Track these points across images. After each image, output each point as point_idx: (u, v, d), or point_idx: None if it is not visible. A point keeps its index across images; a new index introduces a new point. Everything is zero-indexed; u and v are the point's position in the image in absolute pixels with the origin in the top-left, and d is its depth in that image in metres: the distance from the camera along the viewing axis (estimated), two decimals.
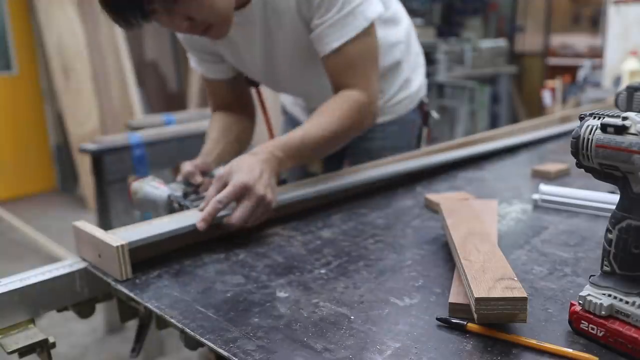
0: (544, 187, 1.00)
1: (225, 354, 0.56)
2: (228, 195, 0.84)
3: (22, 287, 0.71)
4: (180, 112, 3.28)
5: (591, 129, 0.53)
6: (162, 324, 0.68)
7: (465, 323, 0.58)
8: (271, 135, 1.32)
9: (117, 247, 0.73)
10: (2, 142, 4.24)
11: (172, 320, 0.63)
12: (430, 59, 4.67)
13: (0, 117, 4.22)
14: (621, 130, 0.50)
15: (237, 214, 0.84)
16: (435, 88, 4.88)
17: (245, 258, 0.81)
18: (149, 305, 0.67)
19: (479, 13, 5.94)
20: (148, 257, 0.80)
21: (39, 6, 3.97)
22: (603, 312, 0.54)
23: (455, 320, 0.59)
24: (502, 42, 5.57)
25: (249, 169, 0.86)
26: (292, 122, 1.40)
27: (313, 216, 0.98)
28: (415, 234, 0.88)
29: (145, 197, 1.00)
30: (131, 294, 0.70)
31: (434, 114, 1.42)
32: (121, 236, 0.77)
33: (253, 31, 1.06)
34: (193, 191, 0.99)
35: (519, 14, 6.30)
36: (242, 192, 0.84)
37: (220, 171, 0.88)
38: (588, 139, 0.53)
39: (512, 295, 0.55)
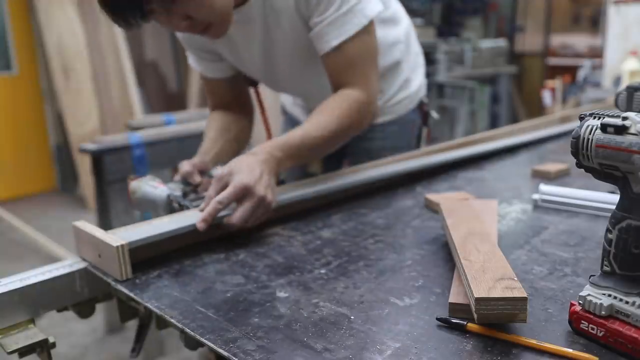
0: (544, 187, 1.00)
1: (225, 354, 0.56)
2: (229, 196, 0.84)
3: (22, 287, 0.71)
4: (180, 112, 3.28)
5: (591, 129, 0.53)
6: (162, 324, 0.68)
7: (465, 323, 0.58)
8: (269, 135, 1.32)
9: (117, 247, 0.73)
10: (2, 142, 4.24)
11: (172, 320, 0.63)
12: (430, 59, 4.67)
13: (0, 117, 4.22)
14: (621, 130, 0.50)
15: (238, 215, 0.84)
16: (435, 88, 4.88)
17: (245, 258, 0.81)
18: (149, 305, 0.67)
19: (479, 13, 5.94)
20: (148, 257, 0.80)
21: (39, 6, 3.97)
22: (603, 312, 0.54)
23: (455, 320, 0.59)
24: (502, 42, 5.57)
25: (249, 169, 0.86)
26: (291, 122, 1.40)
27: (313, 216, 0.98)
28: (415, 234, 0.88)
29: (144, 197, 1.00)
30: (131, 294, 0.71)
31: (434, 114, 1.42)
32: (121, 236, 0.77)
33: (252, 30, 1.06)
34: (192, 190, 0.99)
35: (519, 14, 6.30)
36: (243, 193, 0.84)
37: (219, 171, 0.88)
38: (588, 139, 0.53)
39: (512, 295, 0.55)
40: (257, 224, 0.88)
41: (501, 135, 1.50)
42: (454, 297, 0.62)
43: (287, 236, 0.89)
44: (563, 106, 4.02)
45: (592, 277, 0.57)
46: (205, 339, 0.59)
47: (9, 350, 0.66)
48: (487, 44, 5.38)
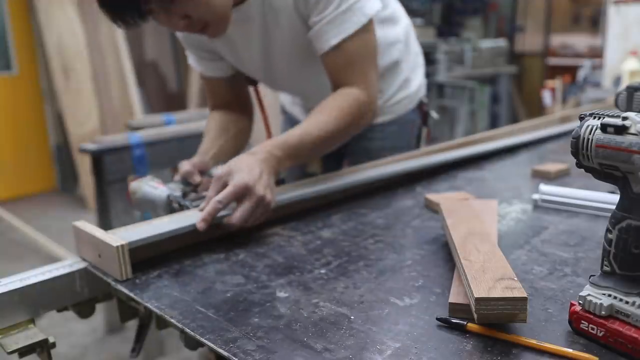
0: (544, 187, 1.00)
1: (225, 354, 0.56)
2: (228, 196, 0.84)
3: (22, 287, 0.71)
4: (180, 112, 3.28)
5: (591, 129, 0.53)
6: (162, 324, 0.68)
7: (465, 323, 0.58)
8: (269, 135, 1.32)
9: (117, 247, 0.73)
10: (2, 142, 4.24)
11: (172, 320, 0.63)
12: (430, 59, 4.67)
13: (0, 117, 4.22)
14: (621, 130, 0.50)
15: (238, 214, 0.84)
16: (435, 88, 4.89)
17: (245, 258, 0.81)
18: (149, 305, 0.67)
19: (479, 13, 5.95)
20: (148, 257, 0.80)
21: (39, 6, 3.97)
22: (603, 312, 0.54)
23: (455, 320, 0.59)
24: (502, 42, 5.57)
25: (249, 169, 0.86)
26: (291, 122, 1.40)
27: (313, 216, 0.98)
28: (415, 234, 0.88)
29: (144, 197, 1.00)
30: (131, 294, 0.70)
31: (434, 114, 1.41)
32: (121, 236, 0.77)
33: (251, 28, 1.06)
34: (192, 190, 0.99)
35: (519, 14, 6.30)
36: (243, 193, 0.84)
37: (218, 171, 0.88)
38: (588, 139, 0.53)
39: (512, 295, 0.55)
40: (256, 224, 0.88)
41: (501, 135, 1.50)
42: (454, 297, 0.62)
43: (287, 236, 0.89)
44: (563, 106, 4.02)
45: (592, 277, 0.57)
46: (205, 339, 0.59)
47: (9, 350, 0.66)
48: (487, 44, 5.39)
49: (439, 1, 5.62)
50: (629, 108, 0.68)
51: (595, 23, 5.82)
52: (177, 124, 2.48)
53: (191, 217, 0.85)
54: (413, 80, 1.32)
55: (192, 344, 0.64)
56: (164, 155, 2.12)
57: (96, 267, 0.77)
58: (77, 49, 3.97)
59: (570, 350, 0.53)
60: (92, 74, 4.04)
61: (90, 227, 0.80)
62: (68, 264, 0.78)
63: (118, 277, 0.74)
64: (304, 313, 0.64)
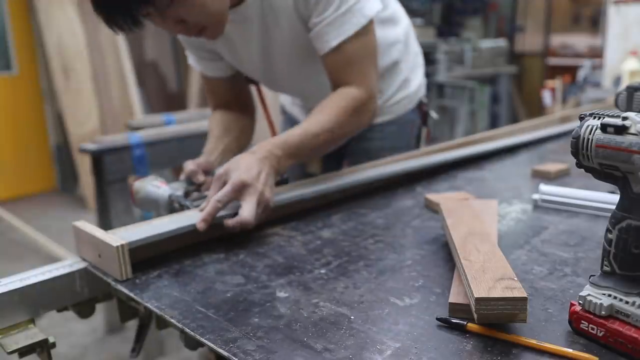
0: (544, 187, 1.00)
1: (225, 354, 0.56)
2: (227, 194, 0.84)
3: (22, 287, 0.71)
4: (180, 112, 3.27)
5: (591, 129, 0.53)
6: (162, 324, 0.68)
7: (465, 323, 0.58)
8: (273, 133, 1.32)
9: (117, 247, 0.73)
10: (2, 142, 4.24)
11: (172, 320, 0.63)
12: (430, 59, 4.67)
13: (0, 117, 4.22)
14: (621, 130, 0.50)
15: (245, 212, 0.83)
16: (435, 88, 4.89)
17: (245, 258, 0.81)
18: (149, 305, 0.67)
19: (479, 13, 5.95)
20: (148, 257, 0.80)
21: (39, 6, 3.97)
22: (603, 312, 0.54)
23: (455, 320, 0.59)
24: (502, 42, 5.57)
25: (247, 167, 0.86)
26: (290, 122, 1.40)
27: (313, 216, 0.98)
28: (415, 234, 0.88)
29: (147, 197, 1.00)
30: (131, 294, 0.70)
31: (433, 114, 1.41)
32: (121, 236, 0.77)
33: (250, 29, 1.06)
34: (195, 190, 0.99)
35: (519, 14, 6.30)
36: (241, 189, 0.84)
37: (219, 171, 0.88)
38: (588, 139, 0.53)
39: (512, 295, 0.55)
40: (256, 224, 0.88)
41: (501, 135, 1.50)
42: (454, 297, 0.62)
43: (287, 236, 0.89)
44: (563, 106, 4.02)
45: (592, 277, 0.57)
46: (205, 339, 0.59)
47: (9, 350, 0.66)
48: (487, 44, 5.39)
49: (439, 1, 5.62)
50: (629, 108, 0.68)
51: (595, 23, 5.82)
52: (177, 124, 2.48)
53: (191, 217, 0.85)
54: (413, 80, 1.32)
55: (192, 344, 0.64)
56: (164, 156, 2.12)
57: (96, 267, 0.77)
58: (77, 49, 3.97)
59: (570, 350, 0.53)
60: (92, 74, 4.04)
61: (90, 227, 0.80)
62: (68, 264, 0.78)
63: (118, 277, 0.74)
64: (304, 313, 0.64)
